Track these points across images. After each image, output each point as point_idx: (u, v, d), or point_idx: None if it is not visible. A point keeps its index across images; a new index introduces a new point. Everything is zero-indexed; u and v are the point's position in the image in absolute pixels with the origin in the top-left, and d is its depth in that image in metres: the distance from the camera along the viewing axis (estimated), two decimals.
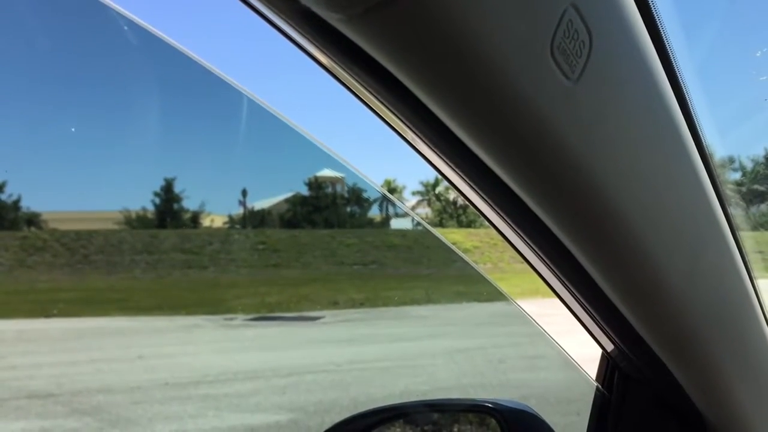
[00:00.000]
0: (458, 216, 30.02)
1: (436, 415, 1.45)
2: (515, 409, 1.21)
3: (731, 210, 0.89)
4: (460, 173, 0.74)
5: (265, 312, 13.59)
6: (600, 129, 0.65)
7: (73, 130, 19.96)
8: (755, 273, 0.98)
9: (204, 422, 6.19)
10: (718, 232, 0.85)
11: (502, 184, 0.71)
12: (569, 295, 0.96)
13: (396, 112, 0.66)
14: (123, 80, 20.38)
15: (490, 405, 1.22)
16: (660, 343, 0.93)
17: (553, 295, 1.02)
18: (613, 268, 0.80)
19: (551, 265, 0.87)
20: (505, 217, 0.80)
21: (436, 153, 0.72)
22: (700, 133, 0.79)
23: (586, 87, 0.61)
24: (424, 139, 0.69)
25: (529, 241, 0.84)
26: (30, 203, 20.55)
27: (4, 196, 20.56)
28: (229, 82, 1.00)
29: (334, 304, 14.76)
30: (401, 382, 7.64)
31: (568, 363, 1.39)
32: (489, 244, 21.10)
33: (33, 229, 19.93)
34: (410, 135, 0.71)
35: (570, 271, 0.85)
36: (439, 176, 0.82)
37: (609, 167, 0.68)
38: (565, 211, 0.72)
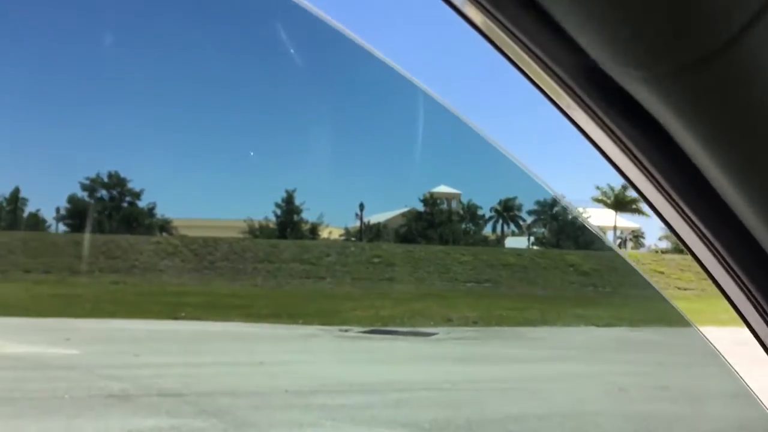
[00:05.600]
0: (576, 237, 29.08)
1: None
2: None
3: None
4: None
5: (379, 325, 13.71)
6: None
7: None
8: None
9: None
10: None
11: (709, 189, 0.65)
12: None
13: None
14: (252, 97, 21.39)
15: None
16: None
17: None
18: None
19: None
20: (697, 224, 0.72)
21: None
22: None
23: None
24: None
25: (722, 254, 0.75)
26: (163, 210, 21.91)
27: (142, 203, 22.10)
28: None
29: (448, 321, 14.68)
30: (516, 405, 7.46)
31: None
32: (609, 267, 20.29)
33: (165, 234, 21.20)
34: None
35: None
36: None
37: None
38: None
